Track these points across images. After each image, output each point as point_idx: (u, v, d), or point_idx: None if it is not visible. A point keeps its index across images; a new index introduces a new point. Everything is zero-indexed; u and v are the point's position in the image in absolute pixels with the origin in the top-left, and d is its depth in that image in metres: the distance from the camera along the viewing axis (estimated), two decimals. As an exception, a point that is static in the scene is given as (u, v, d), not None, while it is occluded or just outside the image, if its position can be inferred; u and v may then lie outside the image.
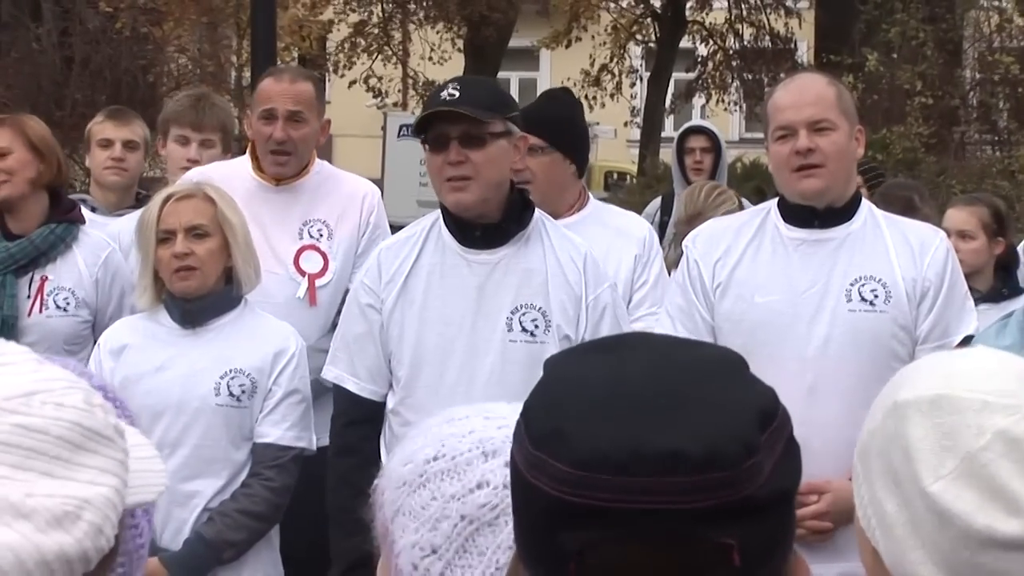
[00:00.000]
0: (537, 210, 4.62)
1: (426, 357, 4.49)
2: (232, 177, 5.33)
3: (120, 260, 5.47)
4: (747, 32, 24.34)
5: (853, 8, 17.77)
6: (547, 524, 1.48)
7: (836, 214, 4.47)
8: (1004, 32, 17.49)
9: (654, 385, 1.49)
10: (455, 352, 4.47)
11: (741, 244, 4.53)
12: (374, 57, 24.56)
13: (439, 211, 4.61)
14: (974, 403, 1.74)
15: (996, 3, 17.62)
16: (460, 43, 24.09)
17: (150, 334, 4.75)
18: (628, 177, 25.81)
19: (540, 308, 4.47)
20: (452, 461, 1.83)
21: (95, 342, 5.31)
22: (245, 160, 5.56)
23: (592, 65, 25.23)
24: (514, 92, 29.14)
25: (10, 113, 6.54)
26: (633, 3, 25.27)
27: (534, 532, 1.51)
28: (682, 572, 1.44)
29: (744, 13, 24.36)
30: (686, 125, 9.51)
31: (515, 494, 1.55)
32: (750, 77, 23.99)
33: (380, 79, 24.47)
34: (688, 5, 24.35)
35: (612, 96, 24.98)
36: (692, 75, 25.30)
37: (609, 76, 25.15)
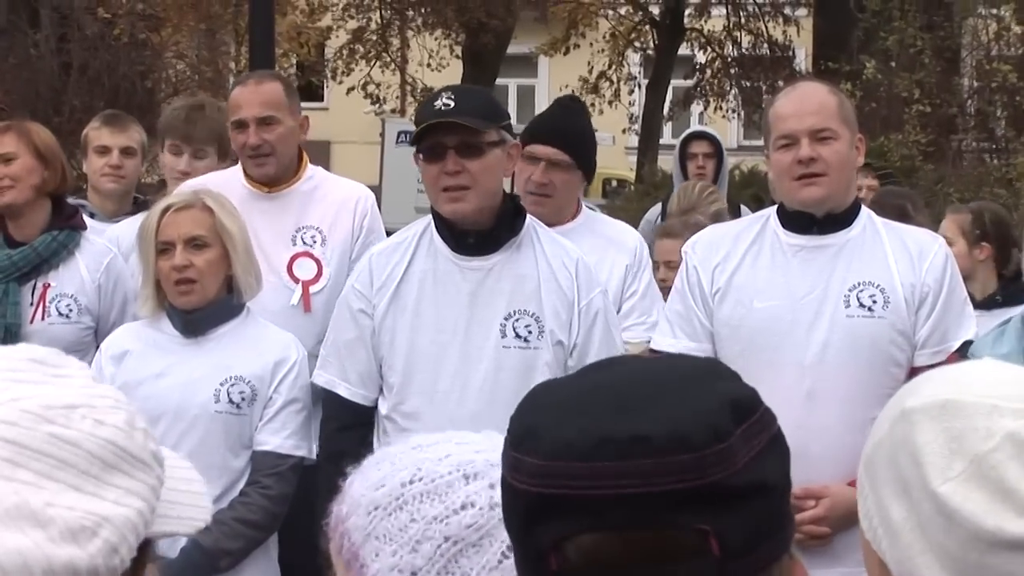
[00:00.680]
0: (528, 216, 4.63)
1: (419, 363, 4.49)
2: (225, 186, 5.32)
3: (122, 266, 5.46)
4: (745, 39, 24.36)
5: (851, 16, 17.80)
6: (526, 522, 1.50)
7: (835, 220, 4.48)
8: (1002, 40, 17.51)
9: (629, 386, 1.52)
10: (448, 358, 4.47)
11: (740, 250, 4.54)
12: (372, 64, 24.57)
13: (430, 216, 4.61)
14: (983, 407, 1.74)
15: (994, 11, 17.63)
16: (458, 50, 24.10)
17: (151, 341, 4.75)
18: (628, 185, 25.80)
19: (533, 314, 4.48)
20: (432, 484, 1.84)
21: (97, 348, 5.32)
22: (238, 169, 5.56)
23: (590, 72, 25.25)
24: (512, 99, 29.22)
25: (8, 119, 6.53)
26: (631, 10, 25.30)
27: (518, 535, 1.53)
28: (659, 559, 1.45)
29: (742, 20, 24.38)
30: (688, 131, 9.53)
31: (503, 503, 1.57)
32: (748, 84, 24.01)
33: (378, 86, 24.48)
34: (686, 12, 24.38)
35: (610, 103, 24.99)
36: (690, 82, 25.32)
37: (607, 83, 25.17)
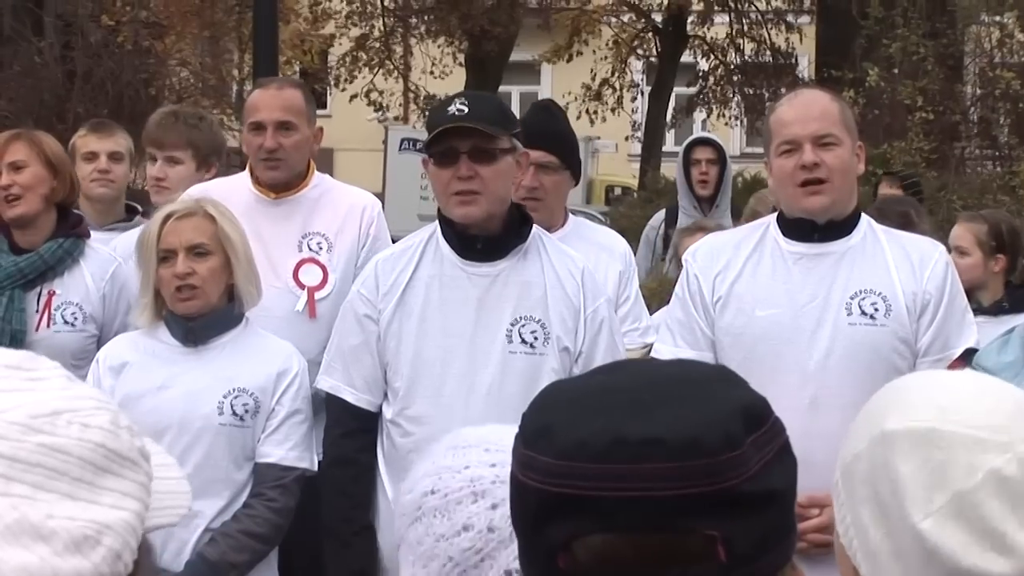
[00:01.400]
0: (535, 225, 4.64)
1: (425, 368, 4.49)
2: (231, 192, 5.32)
3: (127, 275, 5.46)
4: (748, 47, 24.35)
5: (854, 23, 17.78)
6: (536, 520, 1.51)
7: (836, 228, 4.48)
8: (1005, 47, 17.49)
9: (645, 388, 1.52)
10: (454, 363, 4.47)
11: (741, 258, 4.54)
12: (375, 71, 24.58)
13: (436, 223, 4.62)
14: (966, 440, 1.73)
15: (997, 18, 17.62)
16: (461, 57, 24.11)
17: (150, 351, 4.72)
18: (631, 192, 25.80)
19: (539, 320, 4.48)
20: (445, 499, 1.86)
21: None
22: (245, 175, 5.56)
23: (593, 79, 25.25)
24: (516, 106, 29.19)
25: (12, 127, 6.53)
26: (634, 17, 25.30)
27: (527, 533, 1.54)
28: (667, 563, 1.46)
29: (745, 28, 24.37)
30: (692, 137, 9.53)
31: (512, 500, 1.57)
32: (751, 92, 24.00)
33: (381, 93, 24.48)
34: (689, 20, 24.38)
35: (613, 110, 25.00)
36: (693, 90, 25.32)
37: (610, 90, 25.18)
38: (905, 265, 4.46)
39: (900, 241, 4.56)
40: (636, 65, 26.49)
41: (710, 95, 24.83)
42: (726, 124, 24.80)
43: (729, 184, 9.00)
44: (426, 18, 24.18)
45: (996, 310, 6.41)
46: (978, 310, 6.35)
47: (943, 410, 1.77)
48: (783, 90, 15.55)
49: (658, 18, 24.74)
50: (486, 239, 4.52)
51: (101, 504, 1.44)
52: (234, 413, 4.64)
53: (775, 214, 4.62)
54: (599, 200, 26.80)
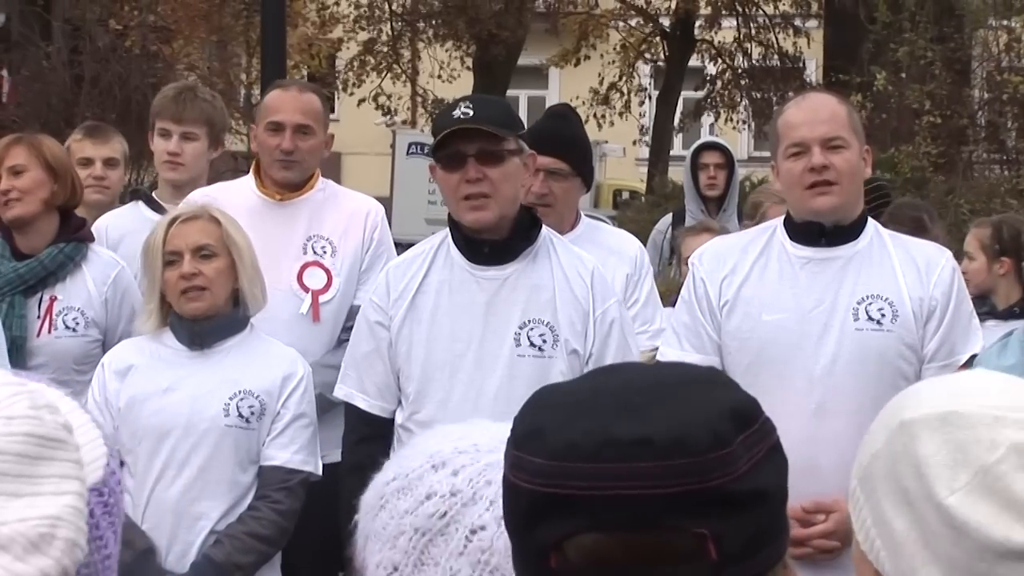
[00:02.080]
0: (545, 227, 4.64)
1: (435, 373, 4.50)
2: (235, 196, 5.34)
3: (130, 279, 5.45)
4: (756, 51, 24.36)
5: (862, 27, 17.78)
6: (527, 520, 1.52)
7: (842, 232, 4.47)
8: (1013, 52, 17.48)
9: (634, 389, 1.54)
10: (463, 367, 4.48)
11: (748, 262, 4.53)
12: (383, 75, 24.61)
13: (447, 229, 4.62)
14: (985, 418, 1.75)
15: (1005, 23, 17.61)
16: (469, 61, 24.13)
17: (156, 355, 4.73)
18: (639, 196, 25.80)
19: (548, 323, 4.48)
20: (406, 479, 1.88)
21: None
22: (249, 179, 5.57)
23: (601, 83, 25.27)
24: (523, 110, 29.21)
25: (20, 131, 6.53)
26: (642, 22, 25.31)
27: (519, 533, 1.55)
28: (657, 562, 1.47)
29: (753, 32, 24.38)
30: (700, 141, 9.53)
31: (504, 502, 1.59)
32: (759, 96, 24.01)
33: (389, 97, 24.52)
34: (697, 24, 24.39)
35: (621, 115, 25.02)
36: (701, 94, 25.32)
37: (618, 95, 25.19)
38: (911, 270, 4.45)
39: (906, 246, 4.55)
40: (644, 69, 26.51)
41: (718, 99, 24.84)
42: (734, 128, 24.80)
43: (737, 188, 9.00)
44: (434, 22, 24.21)
45: (1007, 315, 6.41)
46: (990, 313, 6.36)
47: (958, 395, 1.79)
48: (791, 94, 15.55)
49: (666, 22, 24.75)
50: (494, 243, 4.52)
51: (43, 494, 1.42)
52: (240, 415, 4.65)
53: (782, 218, 4.61)
54: (607, 204, 26.80)
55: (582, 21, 25.28)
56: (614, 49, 25.59)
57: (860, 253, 4.47)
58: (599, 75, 25.24)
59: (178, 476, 4.60)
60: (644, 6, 24.80)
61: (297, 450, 4.72)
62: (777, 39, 24.11)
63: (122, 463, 4.45)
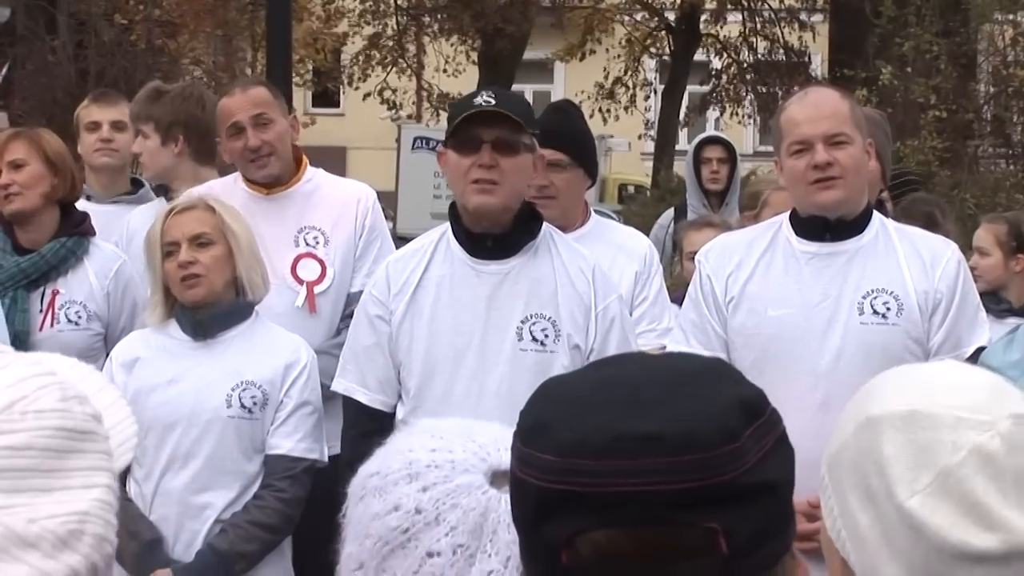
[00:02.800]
0: (546, 223, 4.64)
1: (436, 367, 4.49)
2: (225, 192, 5.34)
3: (131, 272, 5.46)
4: (761, 45, 24.36)
5: (867, 22, 17.77)
6: (537, 517, 1.52)
7: (847, 227, 4.47)
8: (1018, 46, 17.45)
9: (642, 383, 1.53)
10: (465, 362, 4.47)
11: (753, 258, 4.54)
12: (388, 70, 24.62)
13: (447, 223, 4.62)
14: (948, 419, 1.75)
15: (1010, 17, 17.59)
16: (475, 55, 24.14)
17: (161, 347, 4.76)
18: (644, 190, 25.81)
19: (550, 317, 4.48)
20: (384, 479, 1.89)
21: (107, 355, 5.32)
22: (236, 176, 5.58)
23: (606, 78, 25.28)
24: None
25: (26, 125, 6.54)
26: (647, 16, 25.31)
27: (528, 530, 1.54)
28: (669, 557, 1.47)
29: (758, 26, 24.38)
30: (702, 136, 9.52)
31: (512, 497, 1.59)
32: (764, 90, 24.02)
33: (395, 91, 24.53)
34: (702, 18, 24.39)
35: (626, 109, 25.03)
36: (706, 88, 25.34)
37: (623, 89, 25.20)
38: (917, 264, 4.45)
39: (912, 239, 4.55)
40: (649, 64, 26.51)
41: (723, 93, 24.85)
42: (739, 123, 24.82)
43: (739, 182, 9.00)
44: (439, 16, 24.22)
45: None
46: (1010, 311, 6.38)
47: (924, 394, 1.80)
48: (795, 88, 15.55)
49: (671, 16, 24.76)
50: (496, 237, 4.52)
51: (73, 488, 1.41)
52: (242, 406, 4.67)
53: (787, 213, 4.61)
54: (612, 198, 26.83)
55: (587, 15, 25.29)
56: (619, 43, 25.59)
57: (865, 247, 4.47)
58: (604, 69, 25.25)
59: (184, 467, 4.62)
60: (649, 1, 24.79)
61: (301, 438, 4.74)
62: (782, 33, 24.10)
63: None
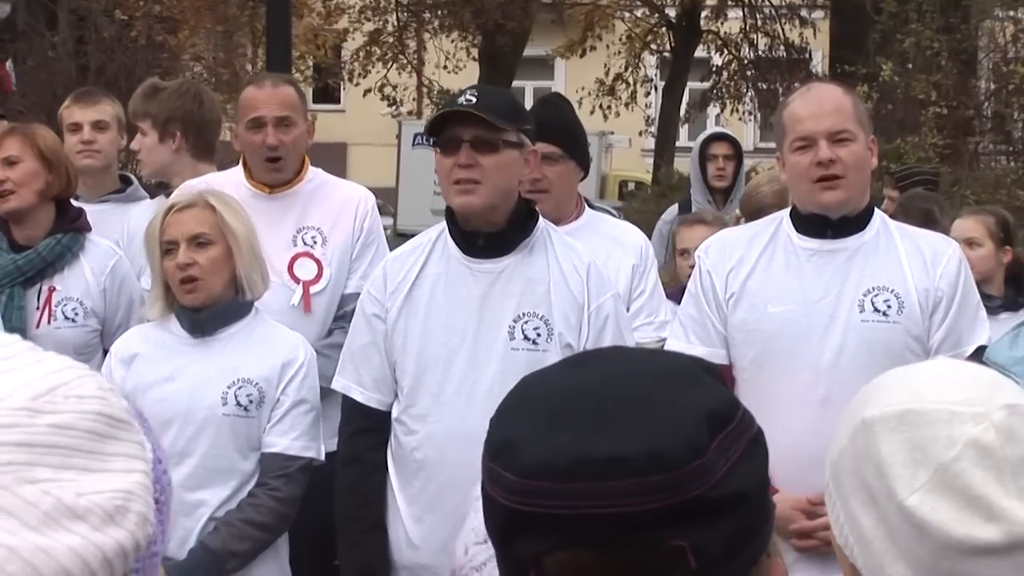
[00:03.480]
0: (542, 219, 4.63)
1: (429, 366, 4.49)
2: (224, 187, 5.34)
3: (127, 268, 5.46)
4: (762, 42, 24.38)
5: (868, 18, 17.78)
6: (505, 533, 1.51)
7: (849, 224, 4.46)
8: (1019, 42, 17.46)
9: (607, 393, 1.50)
10: (457, 361, 4.47)
11: (754, 254, 4.53)
12: (389, 66, 24.63)
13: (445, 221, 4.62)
14: (942, 414, 1.76)
15: (1011, 13, 17.59)
16: (475, 52, 24.14)
17: (160, 343, 4.75)
18: (644, 187, 25.81)
19: (543, 316, 4.47)
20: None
21: (104, 351, 5.32)
22: (238, 170, 5.57)
23: (607, 74, 25.28)
24: (529, 101, 29.24)
25: (25, 121, 6.52)
26: (648, 12, 25.31)
27: (497, 541, 1.54)
28: (637, 575, 1.45)
29: (759, 23, 24.40)
30: (708, 132, 9.52)
31: (483, 507, 1.57)
32: (765, 87, 24.03)
33: (395, 88, 24.54)
34: (703, 15, 24.39)
35: (627, 105, 25.03)
36: (707, 84, 25.35)
37: (624, 85, 25.21)
38: (918, 261, 4.44)
39: (913, 237, 4.54)
40: (650, 60, 26.51)
41: (723, 90, 24.86)
42: (740, 119, 24.82)
43: (743, 179, 9.00)
44: (439, 13, 24.22)
45: (1013, 305, 6.44)
46: (1002, 306, 6.39)
47: (916, 391, 1.80)
48: (797, 85, 15.54)
49: (672, 13, 24.76)
50: (488, 235, 4.51)
51: (113, 471, 1.44)
52: (238, 403, 4.66)
53: (788, 209, 4.61)
54: (612, 195, 26.83)
55: (588, 12, 25.28)
56: (620, 40, 25.59)
57: (866, 245, 4.46)
58: (605, 66, 25.25)
59: (179, 464, 4.61)
60: (650, -3, 24.80)
61: (297, 436, 4.73)
62: (783, 30, 24.11)
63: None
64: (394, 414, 4.56)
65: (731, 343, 4.50)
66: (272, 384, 4.71)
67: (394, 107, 24.77)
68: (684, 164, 14.31)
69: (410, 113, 25.70)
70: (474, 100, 4.39)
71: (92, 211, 5.97)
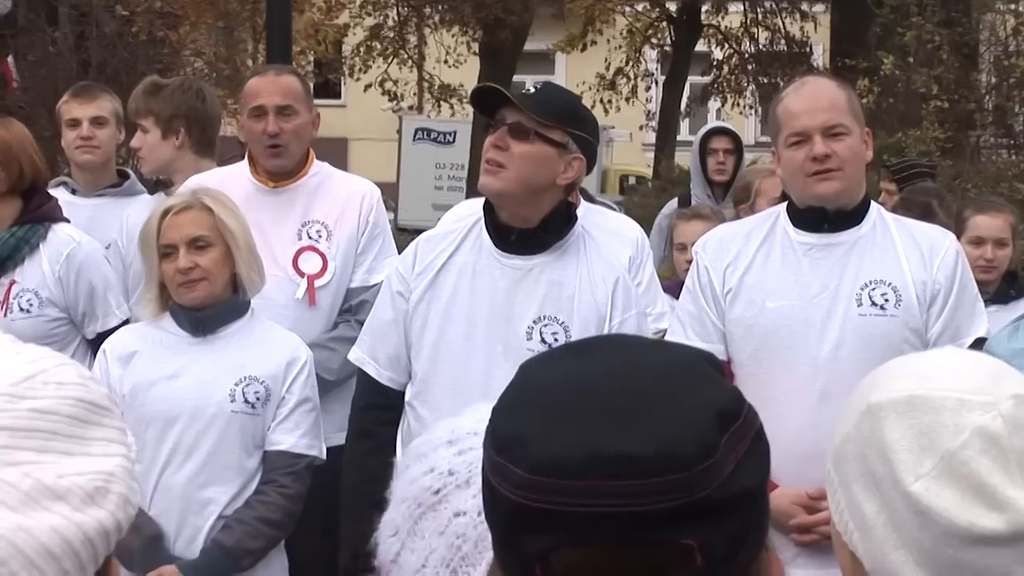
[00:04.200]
0: (582, 226, 4.57)
1: (445, 355, 4.45)
2: (229, 181, 5.34)
3: (86, 255, 5.43)
4: (762, 36, 24.37)
5: (869, 12, 17.77)
6: (511, 528, 1.50)
7: (845, 218, 4.47)
8: (1020, 36, 17.45)
9: (615, 388, 1.50)
10: (474, 353, 4.43)
11: (751, 249, 4.52)
12: (390, 61, 24.61)
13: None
14: (949, 402, 1.76)
15: (1012, 6, 17.58)
16: (476, 46, 24.11)
17: (158, 341, 4.74)
18: (645, 181, 25.81)
19: (562, 322, 4.41)
20: (427, 445, 1.91)
21: (86, 340, 5.33)
22: (243, 165, 5.58)
23: (607, 69, 25.27)
24: (530, 96, 29.20)
25: (26, 117, 6.52)
26: (649, 7, 25.29)
27: (501, 535, 1.53)
28: (644, 573, 1.45)
29: (759, 17, 24.38)
30: (709, 126, 9.52)
31: (484, 498, 1.56)
32: (765, 81, 24.01)
33: (396, 83, 24.51)
34: (704, 9, 24.38)
35: (627, 100, 25.03)
36: (707, 79, 25.33)
37: (624, 80, 25.20)
38: (915, 254, 4.44)
39: (910, 230, 4.54)
40: (650, 54, 26.50)
41: (724, 84, 24.85)
42: (740, 113, 24.81)
43: (743, 174, 9.00)
44: (440, 7, 24.18)
45: (1004, 298, 6.44)
46: (992, 299, 6.38)
47: (924, 378, 1.80)
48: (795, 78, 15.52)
49: (672, 7, 24.74)
50: (522, 232, 4.47)
51: (94, 455, 1.47)
52: (246, 401, 4.67)
53: (784, 204, 4.61)
54: (613, 189, 26.84)
55: (588, 6, 25.24)
56: (620, 34, 25.58)
57: (863, 238, 4.46)
58: (605, 60, 25.24)
59: (186, 462, 4.61)
60: (651, -9, 24.79)
61: (303, 434, 4.74)
62: (784, 24, 24.09)
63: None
64: (407, 397, 4.53)
65: (729, 338, 4.50)
66: (278, 382, 4.72)
67: (395, 102, 24.74)
68: (685, 158, 14.31)
69: (411, 108, 25.71)
70: (532, 91, 4.39)
71: (89, 205, 5.98)
